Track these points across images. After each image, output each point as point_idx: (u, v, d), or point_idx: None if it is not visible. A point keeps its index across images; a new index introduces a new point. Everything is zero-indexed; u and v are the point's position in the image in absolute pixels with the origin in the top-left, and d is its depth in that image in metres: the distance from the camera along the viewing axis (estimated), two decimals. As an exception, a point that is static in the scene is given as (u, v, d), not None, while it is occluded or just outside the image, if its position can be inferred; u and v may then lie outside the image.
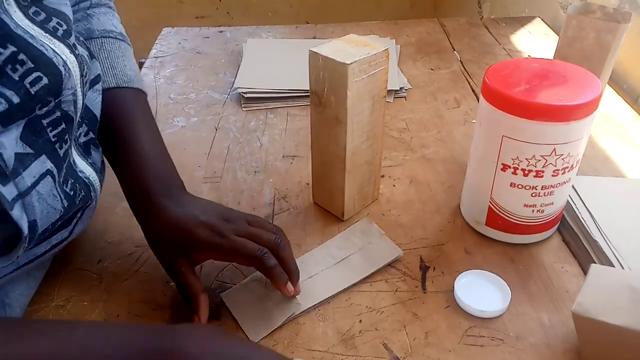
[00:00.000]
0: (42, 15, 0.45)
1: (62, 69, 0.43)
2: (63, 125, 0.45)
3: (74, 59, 0.45)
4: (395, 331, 0.51)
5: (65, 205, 0.46)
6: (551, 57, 0.77)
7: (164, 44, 1.12)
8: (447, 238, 0.61)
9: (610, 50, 0.70)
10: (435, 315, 0.52)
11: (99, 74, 0.55)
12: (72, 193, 0.47)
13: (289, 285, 0.51)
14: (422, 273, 0.57)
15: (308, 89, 0.58)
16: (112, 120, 0.56)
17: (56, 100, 0.43)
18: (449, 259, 0.59)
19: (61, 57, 0.44)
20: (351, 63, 0.52)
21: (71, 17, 0.49)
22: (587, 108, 0.51)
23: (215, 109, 0.88)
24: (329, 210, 0.65)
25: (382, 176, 0.71)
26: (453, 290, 0.54)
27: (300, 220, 0.65)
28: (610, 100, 0.89)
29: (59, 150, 0.44)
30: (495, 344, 0.49)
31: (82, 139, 0.52)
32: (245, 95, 0.90)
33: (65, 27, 0.46)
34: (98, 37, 0.60)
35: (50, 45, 0.43)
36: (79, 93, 0.46)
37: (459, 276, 0.55)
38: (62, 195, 0.45)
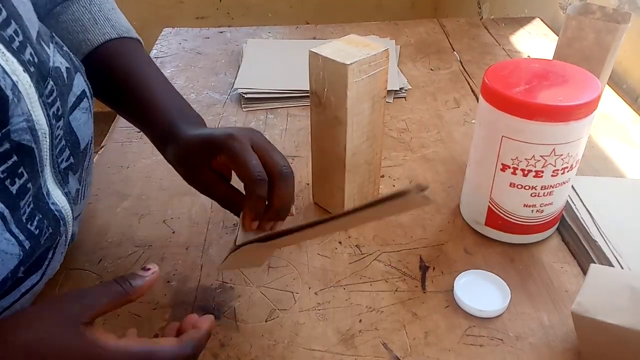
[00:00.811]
0: (2, 15, 0.38)
1: (9, 93, 0.37)
2: (15, 158, 0.38)
3: (28, 78, 0.39)
4: (395, 331, 0.51)
5: (27, 247, 0.41)
6: (551, 58, 0.77)
7: (164, 44, 1.12)
8: (447, 238, 0.62)
9: (609, 50, 0.70)
10: (435, 315, 0.52)
11: (84, 89, 0.50)
12: (37, 232, 0.42)
13: (254, 224, 0.48)
14: (422, 273, 0.57)
15: (308, 89, 0.59)
16: (120, 70, 0.55)
17: (3, 131, 0.37)
18: (449, 258, 0.59)
19: (11, 78, 0.37)
20: (351, 63, 0.53)
21: (27, 20, 0.42)
22: (587, 108, 0.51)
23: (216, 110, 0.88)
24: (329, 211, 0.65)
25: (382, 176, 0.71)
26: (453, 290, 0.54)
27: (300, 220, 0.65)
28: (610, 101, 0.89)
29: (10, 187, 0.38)
30: (494, 344, 0.49)
31: (63, 165, 0.47)
32: (246, 96, 0.90)
33: (21, 37, 0.40)
34: None
35: (1, 62, 0.37)
36: (40, 117, 0.40)
37: (459, 276, 0.55)
38: (22, 237, 0.40)
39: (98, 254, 0.60)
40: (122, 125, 0.83)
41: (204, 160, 0.50)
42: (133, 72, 0.56)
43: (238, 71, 0.97)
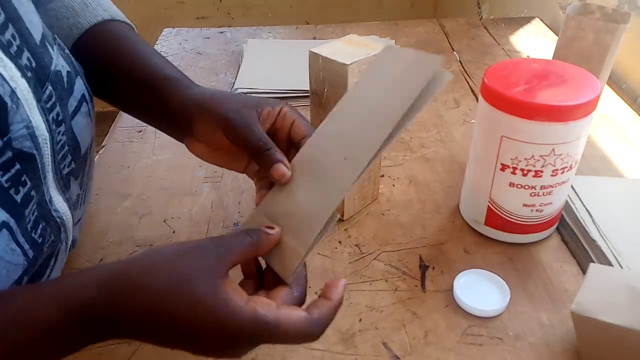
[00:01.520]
0: (1, 18, 0.37)
1: (7, 100, 0.36)
2: (18, 166, 0.37)
3: (26, 84, 0.38)
4: (394, 330, 0.51)
5: (31, 257, 0.40)
6: (550, 58, 0.77)
7: (165, 44, 1.12)
8: (447, 237, 0.62)
9: (609, 50, 0.70)
10: (435, 315, 0.52)
11: (84, 93, 0.49)
12: (40, 240, 0.41)
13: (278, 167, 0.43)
14: (422, 272, 0.57)
15: (308, 89, 0.59)
16: (119, 49, 0.53)
17: (4, 139, 0.36)
18: (449, 258, 0.59)
19: (9, 85, 0.36)
20: (351, 63, 0.53)
21: (28, 22, 0.41)
22: (586, 108, 0.51)
23: (216, 109, 0.88)
24: (329, 210, 0.65)
25: (382, 176, 0.71)
26: (452, 290, 0.54)
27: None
28: (609, 101, 0.89)
29: (14, 196, 0.37)
30: (494, 343, 0.50)
31: (65, 170, 0.46)
32: (246, 96, 0.90)
33: (18, 41, 0.39)
34: None
35: (0, 69, 0.36)
36: (39, 123, 0.40)
37: (458, 275, 0.55)
38: (26, 246, 0.39)
39: (99, 254, 0.60)
40: (122, 125, 0.83)
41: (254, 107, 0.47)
42: (134, 51, 0.53)
43: (238, 71, 0.98)
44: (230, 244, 0.37)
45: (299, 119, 0.48)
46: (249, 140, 0.44)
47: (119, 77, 0.54)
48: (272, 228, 0.40)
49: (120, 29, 0.56)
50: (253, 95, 0.89)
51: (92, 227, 0.63)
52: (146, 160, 0.75)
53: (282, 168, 0.43)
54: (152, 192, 0.70)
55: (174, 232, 0.63)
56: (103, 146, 0.79)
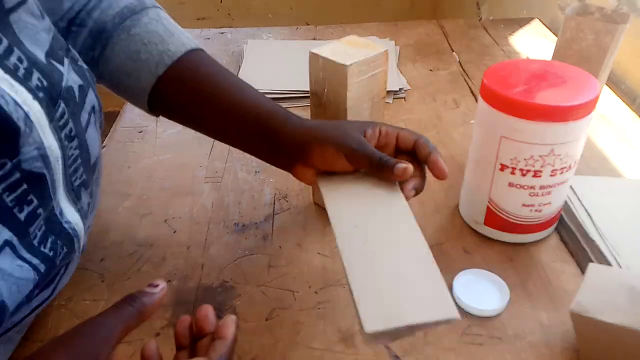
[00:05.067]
0: (3, 45, 0.37)
1: (21, 124, 0.36)
2: (24, 186, 0.38)
3: (38, 106, 0.38)
4: (394, 330, 0.51)
5: (42, 270, 0.41)
6: (549, 58, 0.77)
7: (165, 45, 1.12)
8: (446, 237, 0.62)
9: (608, 51, 0.71)
10: (435, 314, 0.52)
11: (94, 105, 0.49)
12: (52, 254, 0.42)
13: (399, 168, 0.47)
14: (422, 272, 0.57)
15: (308, 89, 0.59)
16: (215, 79, 0.55)
17: (13, 161, 0.36)
18: (448, 258, 0.59)
19: (23, 109, 0.36)
20: (351, 64, 0.53)
21: (31, 44, 0.41)
22: (585, 108, 0.51)
23: (216, 110, 0.88)
24: (329, 210, 0.66)
25: (382, 176, 0.71)
26: (452, 289, 0.54)
27: (301, 219, 0.65)
28: (609, 101, 0.89)
29: (18, 214, 0.38)
30: (493, 343, 0.50)
31: (77, 182, 0.46)
32: (246, 96, 0.90)
33: (26, 63, 0.39)
34: (151, 7, 0.58)
35: (11, 94, 0.36)
36: (51, 142, 0.40)
37: (458, 275, 0.55)
38: (35, 261, 0.40)
39: (99, 254, 0.60)
40: (123, 126, 0.83)
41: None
42: (231, 84, 0.56)
43: (238, 72, 0.98)
44: (110, 323, 0.36)
45: (401, 130, 0.51)
46: (371, 159, 0.48)
47: (219, 107, 0.54)
48: (157, 286, 0.39)
49: (210, 58, 0.58)
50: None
51: (93, 227, 0.63)
52: (147, 161, 0.76)
53: (403, 164, 0.47)
54: (153, 192, 0.70)
55: (174, 232, 0.63)
56: (104, 146, 0.79)
